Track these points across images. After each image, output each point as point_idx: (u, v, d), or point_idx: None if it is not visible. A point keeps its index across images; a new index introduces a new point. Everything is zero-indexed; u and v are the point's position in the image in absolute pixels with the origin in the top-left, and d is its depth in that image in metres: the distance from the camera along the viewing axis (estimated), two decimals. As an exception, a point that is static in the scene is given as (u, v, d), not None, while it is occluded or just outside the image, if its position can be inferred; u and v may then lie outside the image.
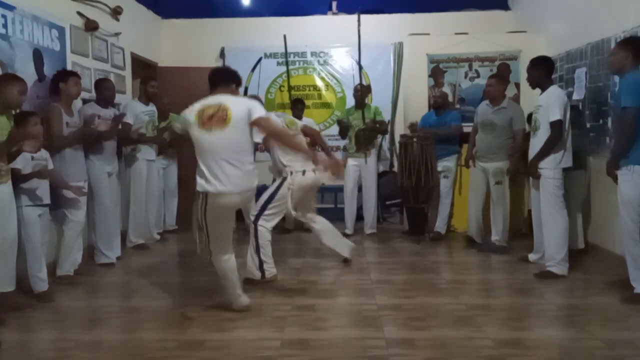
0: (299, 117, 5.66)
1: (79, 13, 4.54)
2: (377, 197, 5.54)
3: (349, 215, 5.49)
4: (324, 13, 6.58)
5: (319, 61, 6.44)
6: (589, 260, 4.20)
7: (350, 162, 5.41)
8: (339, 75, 6.43)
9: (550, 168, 3.74)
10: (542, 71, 3.85)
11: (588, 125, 4.54)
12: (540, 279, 3.72)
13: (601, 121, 4.34)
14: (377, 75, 6.34)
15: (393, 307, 3.22)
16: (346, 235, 5.28)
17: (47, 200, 3.48)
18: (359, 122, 5.31)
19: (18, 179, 3.27)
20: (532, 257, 4.14)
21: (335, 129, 5.90)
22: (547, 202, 3.77)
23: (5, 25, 3.52)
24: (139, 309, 3.31)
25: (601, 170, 4.27)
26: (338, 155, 6.08)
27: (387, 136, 6.20)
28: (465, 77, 5.86)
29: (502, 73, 5.70)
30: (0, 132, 2.96)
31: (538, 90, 3.96)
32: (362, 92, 5.43)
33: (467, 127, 5.00)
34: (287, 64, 6.05)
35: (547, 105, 3.72)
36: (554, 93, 3.77)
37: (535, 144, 3.84)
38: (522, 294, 3.49)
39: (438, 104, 5.27)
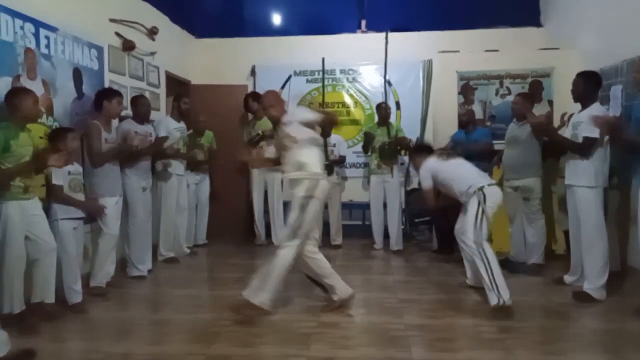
0: (328, 135, 5.71)
1: (117, 34, 4.72)
2: (401, 213, 5.59)
3: (376, 231, 5.62)
4: (353, 31, 6.65)
5: (347, 79, 6.49)
6: (626, 284, 4.04)
7: (374, 179, 5.45)
8: (367, 92, 6.45)
9: (592, 187, 3.62)
10: (592, 87, 3.74)
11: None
12: (576, 301, 3.60)
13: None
14: (406, 92, 6.33)
15: (420, 327, 3.18)
16: (375, 250, 5.54)
17: (81, 213, 3.59)
18: (383, 138, 5.37)
19: (58, 196, 3.40)
20: (568, 279, 4.01)
21: (363, 145, 5.94)
22: (587, 223, 3.64)
23: (48, 46, 3.70)
24: (168, 322, 3.36)
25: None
26: (360, 172, 6.16)
27: (416, 153, 6.18)
28: (496, 94, 5.80)
29: (534, 90, 5.62)
30: (22, 149, 3.02)
31: (572, 108, 3.88)
32: (387, 110, 5.57)
33: (499, 145, 4.92)
34: (323, 87, 6.07)
35: (589, 121, 3.56)
36: (599, 110, 3.66)
37: (572, 160, 3.75)
38: (555, 317, 3.39)
39: (464, 122, 5.23)
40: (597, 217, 3.62)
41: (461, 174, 3.70)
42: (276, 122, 3.45)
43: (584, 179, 3.66)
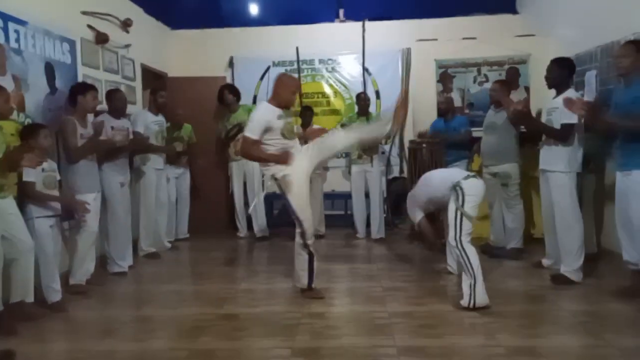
0: (308, 125, 5.70)
1: (89, 26, 4.60)
2: (382, 201, 5.63)
3: (358, 220, 5.64)
4: (332, 21, 6.61)
5: (327, 68, 6.46)
6: (602, 266, 4.14)
7: (355, 168, 5.46)
8: (347, 82, 6.44)
9: (566, 172, 3.68)
10: (566, 73, 3.79)
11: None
12: (554, 284, 3.68)
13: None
14: (386, 81, 6.33)
15: (404, 315, 3.21)
16: (358, 239, 5.54)
17: (57, 210, 3.52)
18: None
19: (30, 193, 3.31)
20: (545, 262, 4.10)
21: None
22: (562, 208, 3.70)
23: (18, 40, 3.59)
24: (151, 318, 3.33)
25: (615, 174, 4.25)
26: (342, 162, 6.15)
27: (397, 142, 6.19)
28: (474, 81, 5.86)
29: (511, 77, 5.69)
30: None
31: (548, 94, 3.93)
32: (367, 100, 5.55)
33: (477, 132, 4.98)
34: (299, 76, 6.03)
35: (564, 106, 3.60)
36: (573, 96, 3.67)
37: (547, 146, 3.80)
38: (535, 301, 3.46)
39: (443, 110, 5.26)
40: (572, 201, 3.69)
41: (434, 183, 3.65)
42: (288, 108, 3.57)
43: (557, 164, 3.72)
